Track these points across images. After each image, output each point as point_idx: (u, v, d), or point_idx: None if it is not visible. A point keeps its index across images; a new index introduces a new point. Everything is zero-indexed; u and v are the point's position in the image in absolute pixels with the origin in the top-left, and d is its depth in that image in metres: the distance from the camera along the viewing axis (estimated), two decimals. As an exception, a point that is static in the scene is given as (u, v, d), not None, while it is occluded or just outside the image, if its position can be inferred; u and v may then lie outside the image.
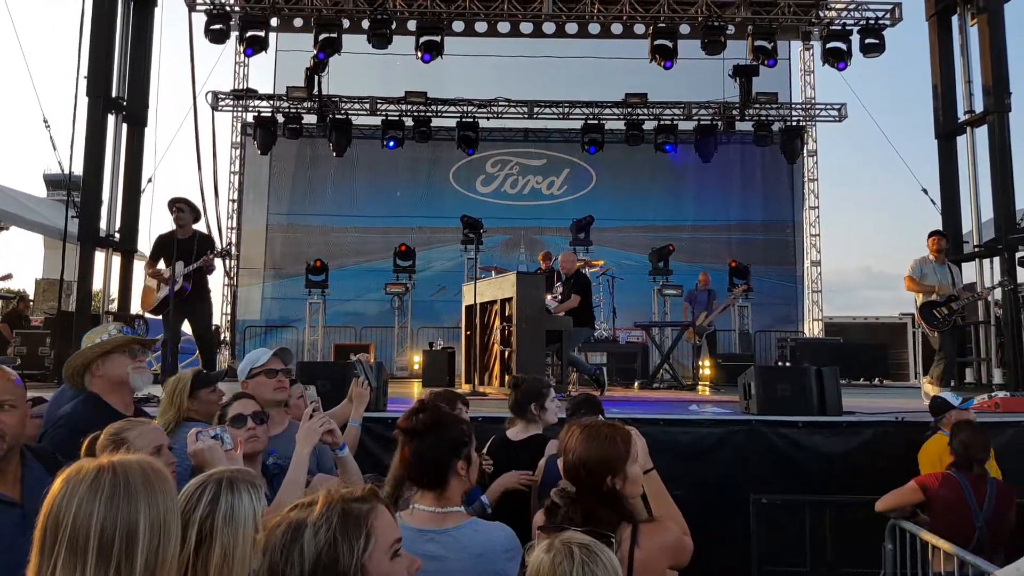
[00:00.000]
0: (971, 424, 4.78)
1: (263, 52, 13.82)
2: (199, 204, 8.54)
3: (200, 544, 1.72)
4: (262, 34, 13.49)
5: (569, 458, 2.57)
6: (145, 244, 11.75)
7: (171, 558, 1.50)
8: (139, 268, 12.13)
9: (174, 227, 7.71)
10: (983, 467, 4.54)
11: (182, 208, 7.71)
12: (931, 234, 8.77)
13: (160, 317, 7.80)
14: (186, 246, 7.51)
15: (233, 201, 17.17)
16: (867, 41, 13.34)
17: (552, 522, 2.48)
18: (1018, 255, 10.91)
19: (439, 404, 3.47)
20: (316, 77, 14.62)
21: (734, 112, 15.73)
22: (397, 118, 16.09)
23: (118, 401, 3.26)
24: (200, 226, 8.26)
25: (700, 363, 11.45)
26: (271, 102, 16.31)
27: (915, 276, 8.44)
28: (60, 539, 1.42)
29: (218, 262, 7.97)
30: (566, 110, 16.53)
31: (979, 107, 11.20)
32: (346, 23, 13.69)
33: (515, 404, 4.17)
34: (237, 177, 17.39)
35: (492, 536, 2.44)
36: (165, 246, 7.59)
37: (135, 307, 11.78)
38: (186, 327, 8.08)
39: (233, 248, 9.87)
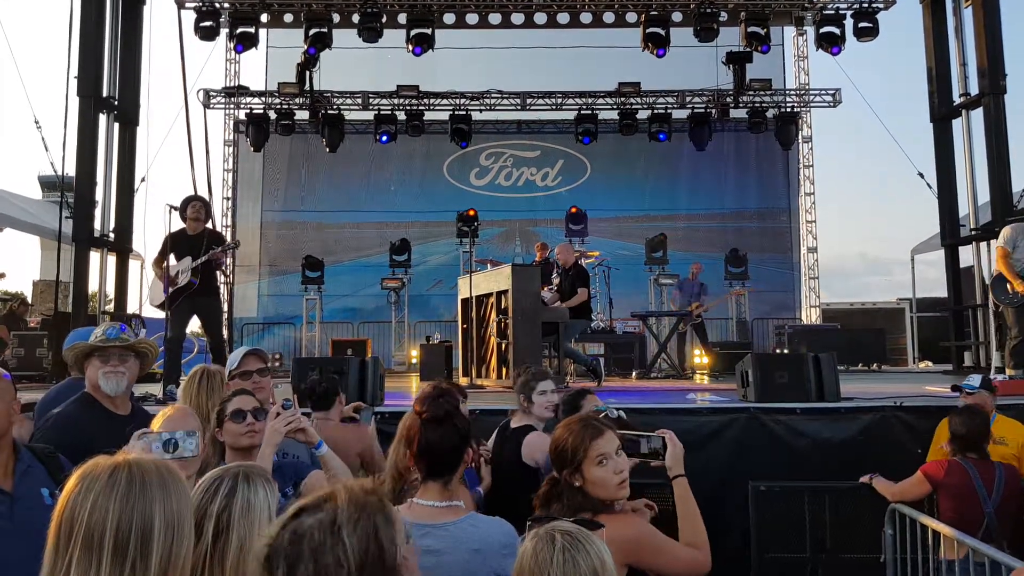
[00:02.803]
0: (969, 408, 4.76)
1: (254, 48, 13.73)
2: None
3: (217, 537, 1.73)
4: (252, 30, 13.41)
5: None
6: (140, 243, 11.76)
7: (184, 557, 1.50)
8: (135, 267, 12.15)
9: (184, 225, 7.57)
10: (985, 450, 4.51)
11: (198, 207, 7.64)
12: None
13: (165, 314, 7.71)
14: (196, 242, 7.39)
15: (227, 199, 17.14)
16: (861, 25, 13.28)
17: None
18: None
19: (453, 391, 3.46)
20: (307, 73, 14.54)
21: (728, 99, 15.66)
22: (389, 112, 16.00)
23: (107, 400, 3.31)
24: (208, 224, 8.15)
25: (692, 351, 11.48)
26: (263, 99, 16.22)
27: (1008, 248, 7.72)
28: (75, 536, 1.42)
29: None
30: (559, 101, 16.46)
31: (974, 89, 11.18)
32: (336, 17, 13.61)
33: (516, 395, 4.24)
34: (231, 175, 17.35)
35: (490, 531, 2.43)
36: (175, 243, 7.50)
37: (131, 306, 11.78)
38: (193, 325, 8.04)
39: (240, 243, 9.67)
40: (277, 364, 13.35)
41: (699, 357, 11.51)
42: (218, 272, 7.88)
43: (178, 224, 7.58)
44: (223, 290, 16.16)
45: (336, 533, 1.37)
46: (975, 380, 5.24)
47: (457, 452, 2.52)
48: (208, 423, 3.13)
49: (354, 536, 1.37)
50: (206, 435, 3.12)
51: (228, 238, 13.97)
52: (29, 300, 18.15)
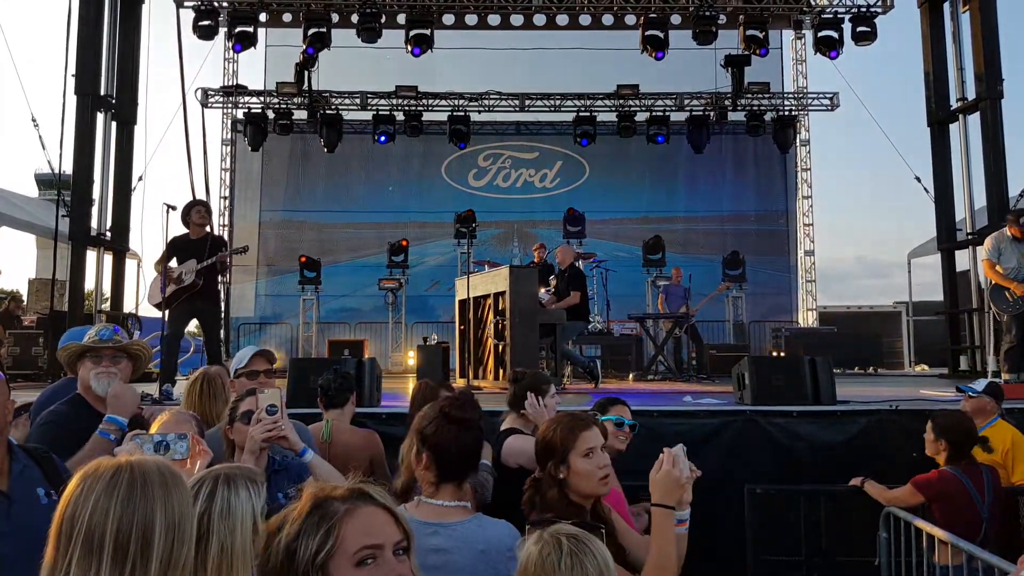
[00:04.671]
0: (955, 413, 4.76)
1: (252, 48, 13.75)
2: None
3: (199, 540, 1.70)
4: (251, 30, 13.42)
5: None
6: (137, 242, 11.76)
7: (184, 559, 1.49)
8: (131, 266, 12.14)
9: (187, 229, 7.59)
10: (972, 455, 4.51)
11: (202, 211, 7.67)
12: (1011, 214, 8.07)
13: (162, 313, 7.70)
14: (199, 246, 7.41)
15: (224, 198, 17.10)
16: (859, 29, 13.33)
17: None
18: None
19: (474, 397, 3.44)
20: (306, 72, 14.54)
21: (726, 102, 15.69)
22: (388, 113, 16.01)
23: (99, 402, 3.28)
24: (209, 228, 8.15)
25: (689, 353, 11.56)
26: (261, 98, 16.22)
27: (993, 259, 7.79)
28: (76, 536, 1.42)
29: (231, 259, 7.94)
30: (558, 102, 16.49)
31: (971, 94, 11.21)
32: (335, 17, 13.63)
33: (513, 398, 4.08)
34: (228, 174, 17.31)
35: (496, 533, 2.44)
36: (178, 247, 7.49)
37: (128, 305, 11.77)
38: (190, 325, 8.03)
39: (248, 248, 9.66)
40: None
41: (695, 359, 11.55)
42: (220, 275, 7.88)
43: (176, 225, 7.58)
44: (220, 290, 16.21)
45: (283, 525, 1.47)
46: (979, 384, 5.23)
47: (476, 456, 2.56)
48: (210, 427, 3.13)
49: (286, 532, 1.44)
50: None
51: (227, 238, 13.98)
52: (24, 298, 18.13)
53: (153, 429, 2.65)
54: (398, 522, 1.51)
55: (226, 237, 16.63)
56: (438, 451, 2.50)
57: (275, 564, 1.43)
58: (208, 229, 7.78)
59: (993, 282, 7.94)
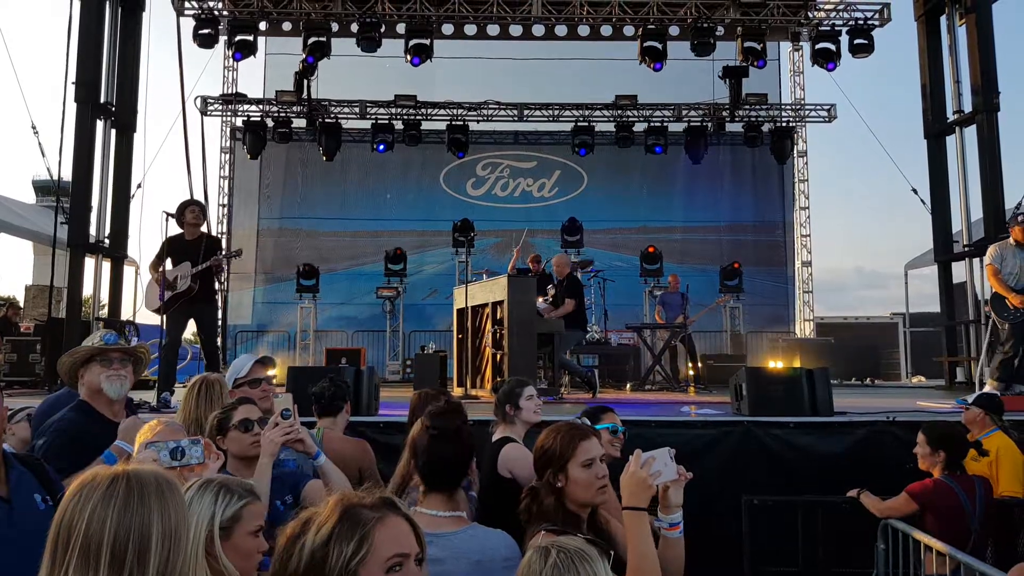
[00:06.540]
0: (947, 423, 4.78)
1: (252, 56, 13.78)
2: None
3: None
4: (250, 38, 13.45)
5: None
6: (135, 250, 11.74)
7: (181, 568, 1.50)
8: (129, 273, 12.12)
9: (182, 229, 7.54)
10: (963, 466, 4.52)
11: (196, 211, 7.61)
12: (1014, 219, 8.01)
13: (160, 318, 7.65)
14: (194, 247, 7.35)
15: (223, 206, 17.13)
16: (856, 42, 13.39)
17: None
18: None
19: (462, 405, 3.45)
20: (305, 81, 14.59)
21: (724, 113, 15.76)
22: (387, 121, 16.06)
23: (105, 408, 3.31)
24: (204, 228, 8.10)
25: (686, 363, 11.56)
26: (260, 106, 16.26)
27: (996, 264, 7.77)
28: (72, 545, 1.42)
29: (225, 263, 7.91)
30: (556, 112, 16.54)
31: (968, 107, 11.26)
32: (335, 26, 13.67)
33: (495, 408, 4.14)
34: (227, 182, 17.35)
35: (492, 543, 2.43)
36: (173, 248, 7.42)
37: (125, 313, 11.74)
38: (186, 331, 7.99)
39: (242, 252, 9.58)
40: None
41: (691, 369, 11.56)
42: (216, 278, 7.84)
43: (175, 230, 7.55)
44: (219, 294, 16.18)
45: (305, 530, 1.46)
46: (972, 396, 5.26)
47: (463, 465, 2.55)
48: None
49: (313, 538, 1.44)
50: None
51: (224, 244, 13.97)
52: (21, 305, 18.06)
53: (141, 438, 2.64)
54: (417, 534, 1.55)
55: (224, 244, 16.65)
56: (421, 460, 2.52)
57: (296, 568, 1.44)
58: (203, 229, 7.70)
59: (994, 290, 7.95)
